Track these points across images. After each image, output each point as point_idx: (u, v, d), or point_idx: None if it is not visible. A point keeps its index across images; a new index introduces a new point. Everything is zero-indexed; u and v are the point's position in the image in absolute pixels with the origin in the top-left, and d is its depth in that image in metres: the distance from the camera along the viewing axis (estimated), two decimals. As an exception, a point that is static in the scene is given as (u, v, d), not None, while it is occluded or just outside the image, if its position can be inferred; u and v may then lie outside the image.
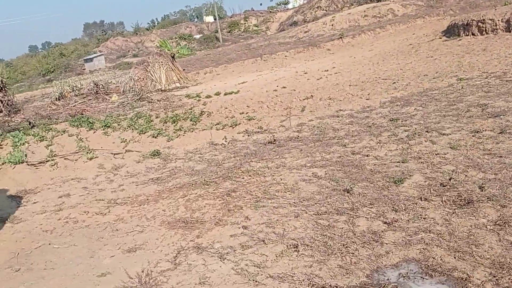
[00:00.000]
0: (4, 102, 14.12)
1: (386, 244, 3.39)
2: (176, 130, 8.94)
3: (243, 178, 5.21)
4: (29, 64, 67.30)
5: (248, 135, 7.79)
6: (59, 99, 19.25)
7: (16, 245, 3.98)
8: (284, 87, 11.63)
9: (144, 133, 8.93)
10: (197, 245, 3.51)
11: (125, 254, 3.50)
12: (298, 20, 46.83)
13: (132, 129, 9.52)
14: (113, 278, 3.24)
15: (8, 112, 13.19)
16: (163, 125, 9.98)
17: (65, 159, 7.26)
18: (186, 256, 3.35)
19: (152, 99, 15.98)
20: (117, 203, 4.75)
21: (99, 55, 57.89)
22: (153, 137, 8.47)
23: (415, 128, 6.36)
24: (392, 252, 3.25)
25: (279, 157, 5.94)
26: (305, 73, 13.82)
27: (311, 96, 10.35)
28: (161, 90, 19.21)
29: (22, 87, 46.78)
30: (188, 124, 9.58)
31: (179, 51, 22.36)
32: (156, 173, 6.02)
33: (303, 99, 10.07)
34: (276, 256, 3.31)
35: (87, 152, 7.31)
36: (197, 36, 59.90)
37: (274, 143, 6.81)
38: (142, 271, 3.31)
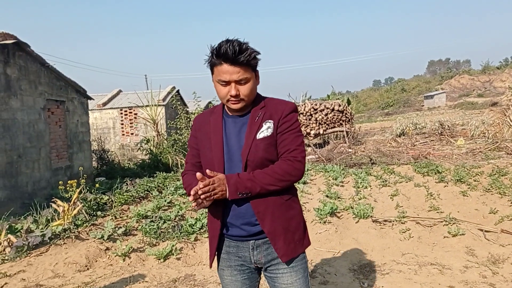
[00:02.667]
0: (349, 133, 13.98)
1: None
2: None
3: None
4: (372, 97, 71.65)
5: None
6: (400, 136, 18.39)
7: None
8: None
9: (520, 204, 6.43)
10: None
11: None
12: None
13: (501, 194, 7.12)
14: None
15: (352, 144, 12.86)
16: (546, 195, 7.14)
17: (417, 223, 5.64)
18: None
19: (512, 151, 12.90)
20: None
21: (441, 93, 55.76)
22: (538, 214, 5.89)
23: None
24: None
25: None
26: None
27: None
28: (522, 140, 15.60)
29: (361, 117, 49.66)
30: None
31: (553, 95, 17.90)
32: None
33: None
34: None
35: (449, 223, 5.45)
36: None
37: None
38: None
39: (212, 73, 2.08)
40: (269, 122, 2.10)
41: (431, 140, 17.03)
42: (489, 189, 7.53)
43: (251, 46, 2.03)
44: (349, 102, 21.19)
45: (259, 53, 2.06)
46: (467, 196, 7.18)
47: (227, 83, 2.02)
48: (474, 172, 9.17)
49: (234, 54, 1.95)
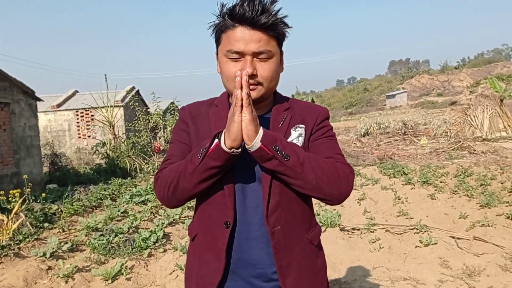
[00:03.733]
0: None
1: None
2: (542, 211, 5.91)
3: None
4: (335, 97, 72.56)
5: None
6: (364, 136, 18.33)
7: None
8: None
9: (489, 207, 6.25)
10: None
11: None
12: None
13: (469, 196, 6.95)
14: None
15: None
16: (511, 195, 7.04)
17: (386, 231, 5.34)
18: None
19: (475, 150, 12.96)
20: None
21: (402, 92, 56.92)
22: (508, 218, 5.71)
23: None
24: None
25: None
26: None
27: None
28: (482, 139, 15.79)
29: (326, 117, 49.93)
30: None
31: (511, 94, 18.30)
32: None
33: None
34: None
35: (420, 231, 5.17)
36: (518, 77, 51.76)
37: None
38: None
39: (218, 44, 1.45)
40: (300, 128, 1.51)
41: (395, 140, 17.06)
42: (456, 191, 7.38)
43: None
44: (312, 102, 21.04)
45: (288, 26, 1.43)
46: (435, 199, 6.99)
47: (240, 55, 1.37)
48: (439, 173, 9.06)
49: (256, 12, 1.33)
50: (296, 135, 1.48)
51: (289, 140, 1.45)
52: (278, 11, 1.37)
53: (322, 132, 1.54)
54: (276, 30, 1.38)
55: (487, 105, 16.98)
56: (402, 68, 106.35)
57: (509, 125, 16.76)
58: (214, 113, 1.53)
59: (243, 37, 1.35)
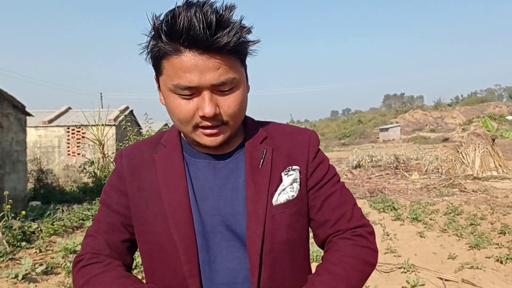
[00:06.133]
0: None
1: None
2: (532, 255, 5.78)
3: None
4: (329, 127, 73.08)
5: None
6: (356, 168, 18.29)
7: None
8: None
9: (478, 248, 6.13)
10: None
11: None
12: None
13: (458, 236, 6.85)
14: None
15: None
16: (501, 236, 6.94)
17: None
18: None
19: (465, 188, 12.92)
20: None
21: (395, 126, 57.31)
22: (498, 261, 5.58)
23: None
24: None
25: None
26: None
27: None
28: (473, 177, 15.78)
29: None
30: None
31: (503, 134, 18.39)
32: None
33: None
34: None
35: (408, 270, 5.03)
36: (510, 117, 52.45)
37: None
38: None
39: (160, 73, 1.00)
40: (294, 171, 1.09)
41: (387, 174, 17.01)
42: (445, 229, 7.28)
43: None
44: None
45: (254, 42, 1.01)
46: (424, 237, 6.87)
47: (195, 91, 0.96)
48: (429, 210, 8.98)
49: (209, 31, 0.89)
50: (289, 182, 1.08)
51: (281, 188, 1.07)
52: (240, 21, 0.95)
53: (322, 173, 1.13)
54: (241, 51, 0.99)
55: (479, 144, 17.04)
56: (396, 102, 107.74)
57: (500, 165, 16.80)
58: (162, 158, 1.11)
59: (195, 66, 0.92)
